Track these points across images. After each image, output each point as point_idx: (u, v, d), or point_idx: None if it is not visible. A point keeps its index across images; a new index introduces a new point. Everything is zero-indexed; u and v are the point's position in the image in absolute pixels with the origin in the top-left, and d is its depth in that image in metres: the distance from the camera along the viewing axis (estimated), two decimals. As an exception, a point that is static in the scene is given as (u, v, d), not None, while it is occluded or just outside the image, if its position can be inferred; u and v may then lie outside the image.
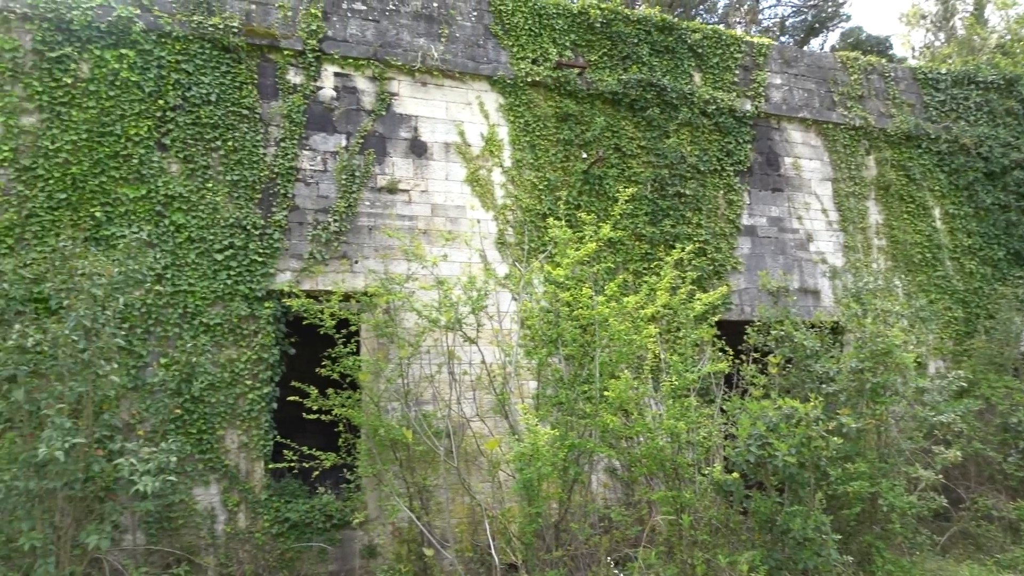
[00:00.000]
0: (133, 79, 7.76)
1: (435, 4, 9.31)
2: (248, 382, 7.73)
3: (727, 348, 8.64)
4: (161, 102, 7.86)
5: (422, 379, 8.01)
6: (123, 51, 7.75)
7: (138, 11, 7.86)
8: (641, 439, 7.01)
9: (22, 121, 7.37)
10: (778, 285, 10.30)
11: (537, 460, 6.04)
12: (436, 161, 9.02)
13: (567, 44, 9.83)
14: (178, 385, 7.35)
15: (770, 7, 30.18)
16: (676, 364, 7.05)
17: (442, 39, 9.24)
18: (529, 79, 9.47)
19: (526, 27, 9.63)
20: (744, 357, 8.52)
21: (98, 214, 7.45)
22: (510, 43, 9.55)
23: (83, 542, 5.84)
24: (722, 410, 7.81)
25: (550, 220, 8.25)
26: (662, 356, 7.93)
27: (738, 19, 26.49)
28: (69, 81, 7.53)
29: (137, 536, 7.02)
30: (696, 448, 7.08)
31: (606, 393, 6.62)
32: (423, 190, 8.89)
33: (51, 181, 7.36)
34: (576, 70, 9.70)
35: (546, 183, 9.38)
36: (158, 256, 7.54)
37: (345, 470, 7.84)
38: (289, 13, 8.57)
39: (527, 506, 6.49)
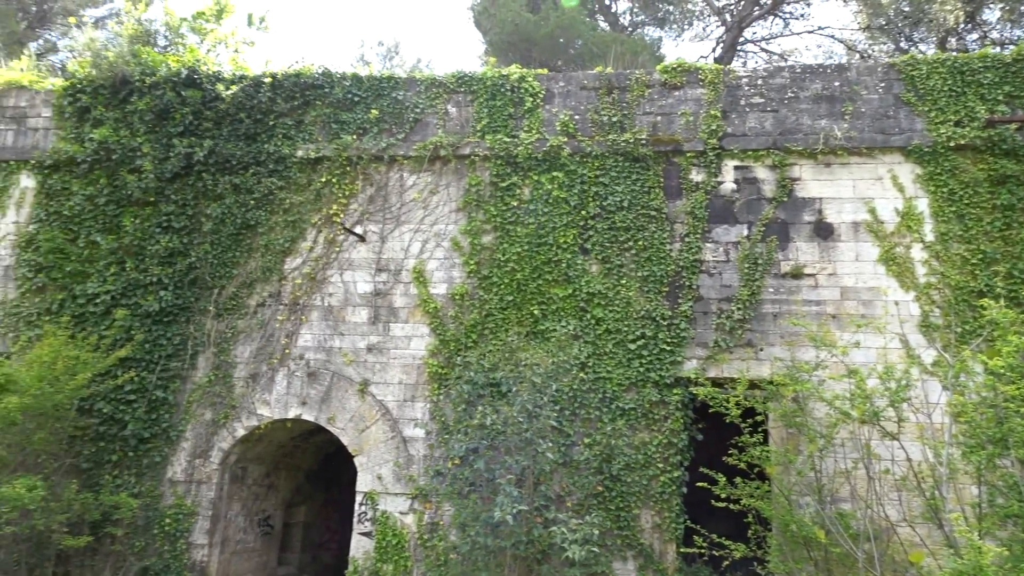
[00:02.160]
0: (562, 196, 9.16)
1: (836, 84, 9.13)
2: (660, 465, 8.23)
3: None
4: (583, 212, 9.10)
5: (836, 474, 7.57)
6: (554, 174, 9.24)
7: (565, 139, 9.33)
8: None
9: (483, 240, 9.24)
10: None
11: (981, 583, 5.25)
12: (844, 242, 8.67)
13: (999, 98, 8.70)
14: (599, 464, 8.17)
15: None
16: None
17: (845, 117, 8.97)
18: (952, 143, 8.60)
19: (945, 88, 8.82)
20: None
21: (536, 312, 8.86)
22: (926, 108, 8.84)
23: (526, 597, 6.82)
24: None
25: (985, 300, 7.25)
26: None
27: None
28: (515, 204, 9.24)
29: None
30: None
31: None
32: (830, 273, 8.60)
33: (502, 286, 9.01)
34: (1014, 125, 8.49)
35: (980, 256, 8.29)
36: (582, 347, 8.61)
37: (756, 563, 7.73)
38: (691, 118, 9.25)
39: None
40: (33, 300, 9.60)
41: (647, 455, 8.26)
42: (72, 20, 20.52)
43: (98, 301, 9.37)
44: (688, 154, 9.16)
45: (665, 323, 8.65)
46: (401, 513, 8.56)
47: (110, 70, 9.96)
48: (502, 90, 9.67)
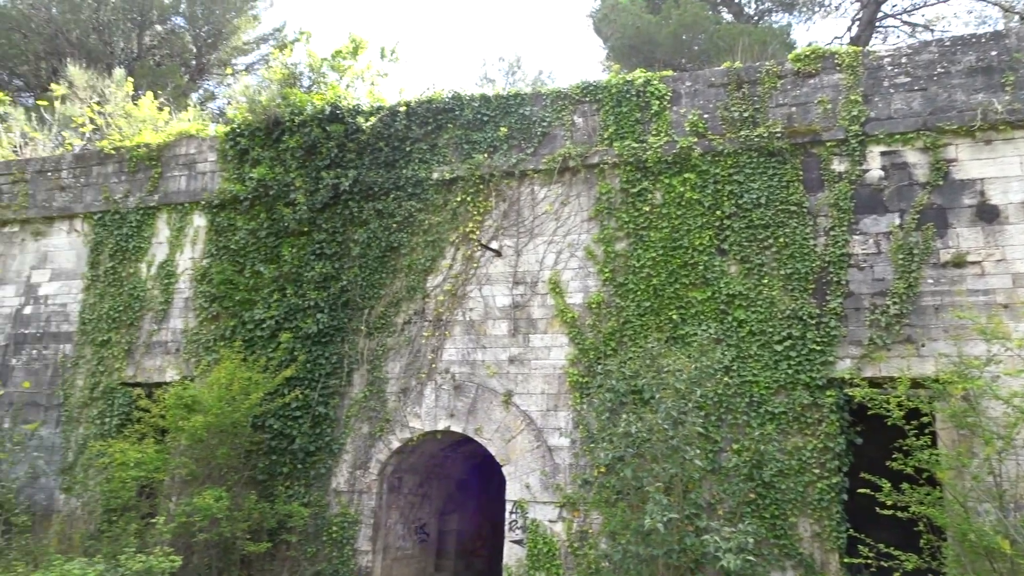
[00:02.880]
0: (695, 197, 9.01)
1: (993, 53, 8.41)
2: (816, 471, 7.87)
3: None
4: (719, 212, 8.91)
5: (1019, 479, 6.94)
6: (686, 175, 9.11)
7: (695, 139, 9.17)
8: None
9: (616, 247, 9.25)
10: None
11: None
12: (1012, 224, 7.95)
13: None
14: (750, 470, 7.93)
15: None
16: None
17: (1006, 88, 8.24)
18: None
19: None
20: None
21: (675, 316, 8.75)
22: (1104, 70, 7.95)
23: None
24: None
25: None
26: None
27: None
28: (647, 209, 9.19)
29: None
30: None
31: None
32: (998, 259, 7.91)
33: (638, 292, 8.98)
34: None
35: None
36: (724, 351, 8.41)
37: (930, 575, 7.21)
38: (829, 106, 8.84)
39: None
40: (209, 327, 10.61)
41: (801, 461, 7.93)
42: (228, 71, 22.52)
43: (264, 326, 10.22)
44: (828, 144, 8.75)
45: (813, 322, 8.28)
46: (550, 521, 8.70)
47: (263, 113, 10.88)
48: (627, 96, 9.66)
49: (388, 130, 10.45)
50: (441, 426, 9.49)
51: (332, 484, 9.66)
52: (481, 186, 10.03)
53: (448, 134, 10.31)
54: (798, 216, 8.66)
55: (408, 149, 10.40)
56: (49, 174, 12.45)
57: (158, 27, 24.93)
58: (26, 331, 11.71)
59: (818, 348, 8.20)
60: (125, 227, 11.57)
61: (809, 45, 9.43)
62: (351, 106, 10.74)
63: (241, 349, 10.02)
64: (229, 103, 14.47)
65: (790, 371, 8.21)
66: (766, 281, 8.57)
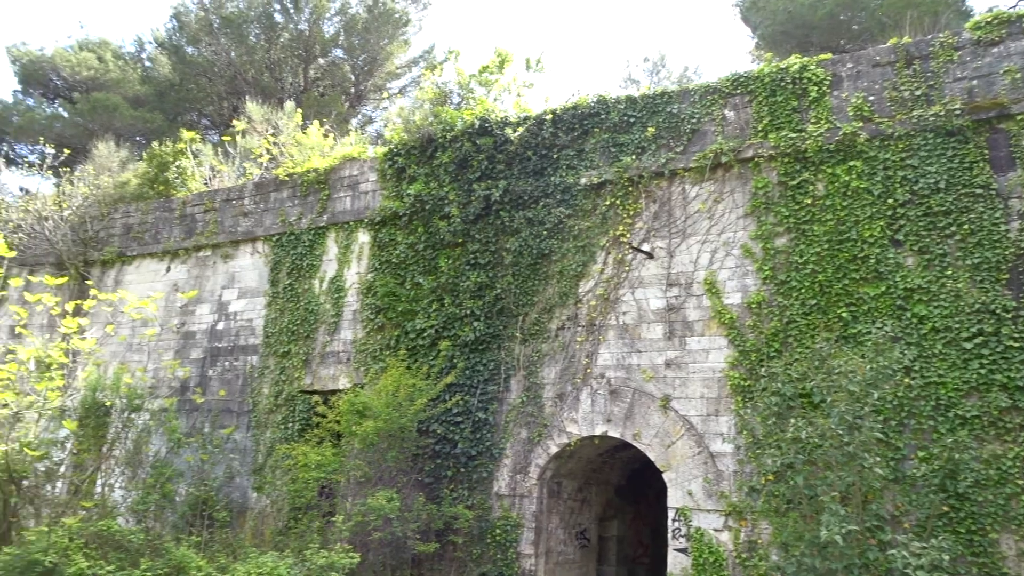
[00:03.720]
0: (862, 186, 8.41)
1: None
2: (1020, 482, 7.06)
3: None
4: (890, 200, 8.25)
5: None
6: (851, 163, 8.52)
7: (860, 124, 8.56)
8: None
9: (776, 243, 8.81)
10: None
11: None
12: None
13: None
14: (941, 480, 7.24)
15: None
16: None
17: None
18: None
19: None
20: None
21: (844, 314, 8.19)
22: None
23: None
24: None
25: None
26: None
27: None
28: (809, 202, 8.68)
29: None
30: None
31: None
32: None
33: (802, 290, 8.49)
34: None
35: None
36: (904, 350, 7.75)
37: None
38: (1018, 75, 7.94)
39: None
40: (375, 337, 11.25)
41: (1001, 471, 7.14)
42: (384, 95, 23.85)
43: (425, 335, 10.69)
44: (1018, 117, 7.86)
45: (1008, 316, 7.45)
46: (715, 530, 8.41)
47: (418, 132, 11.42)
48: (782, 84, 9.20)
49: (535, 139, 10.61)
50: (598, 431, 9.46)
51: (494, 488, 9.90)
52: (630, 188, 9.92)
53: (595, 138, 10.31)
54: (985, 200, 7.84)
55: (556, 156, 10.50)
56: (234, 202, 13.75)
57: (320, 60, 26.89)
58: (219, 344, 12.98)
59: (1016, 345, 7.36)
60: (299, 247, 12.54)
61: (990, 11, 8.52)
62: (499, 119, 11.02)
63: (405, 357, 10.54)
64: (386, 125, 15.31)
65: (983, 371, 7.43)
66: (949, 272, 7.82)
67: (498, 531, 9.65)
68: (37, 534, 7.47)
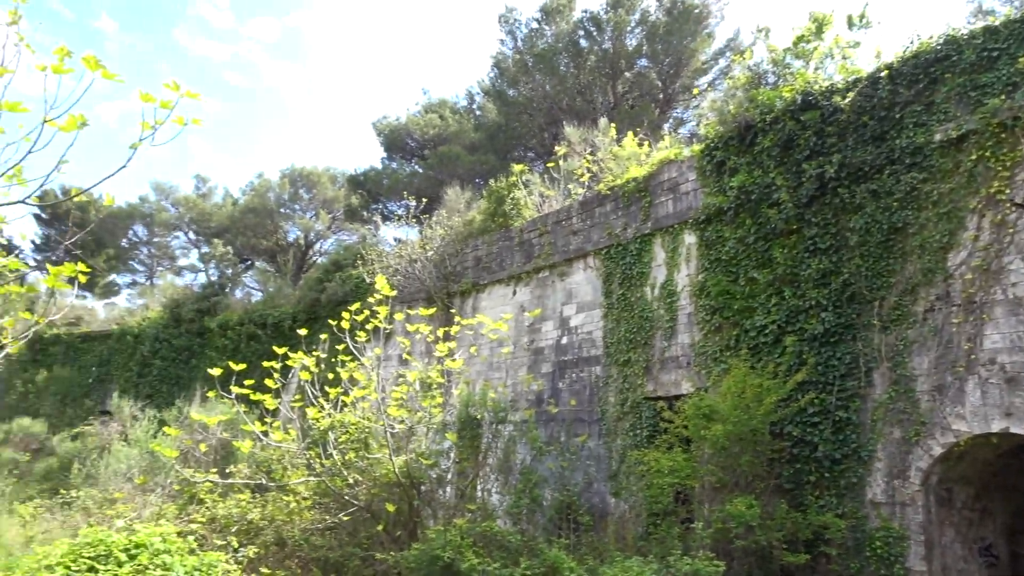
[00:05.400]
0: None
1: None
2: None
3: None
4: None
5: None
6: None
7: None
8: None
9: None
10: None
11: None
12: None
13: None
14: None
15: None
16: None
17: None
18: None
19: None
20: None
21: None
22: None
23: None
24: None
25: None
26: None
27: None
28: None
29: None
30: None
31: None
32: None
33: None
34: None
35: None
36: None
37: None
38: None
39: None
40: (713, 339, 10.93)
41: None
42: (695, 91, 23.51)
43: (766, 331, 10.08)
44: None
45: None
46: None
47: (733, 121, 10.92)
48: None
49: (870, 102, 9.44)
50: (995, 427, 7.95)
51: (867, 495, 8.88)
52: (1002, 135, 8.27)
53: (946, 86, 8.82)
54: None
55: (898, 116, 9.20)
56: (563, 223, 14.56)
57: (627, 74, 27.45)
58: (565, 358, 13.76)
59: None
60: (627, 256, 12.78)
61: None
62: (823, 88, 10.04)
63: (747, 357, 10.05)
64: (699, 123, 14.95)
65: None
66: None
67: (878, 544, 8.61)
68: (435, 533, 8.58)
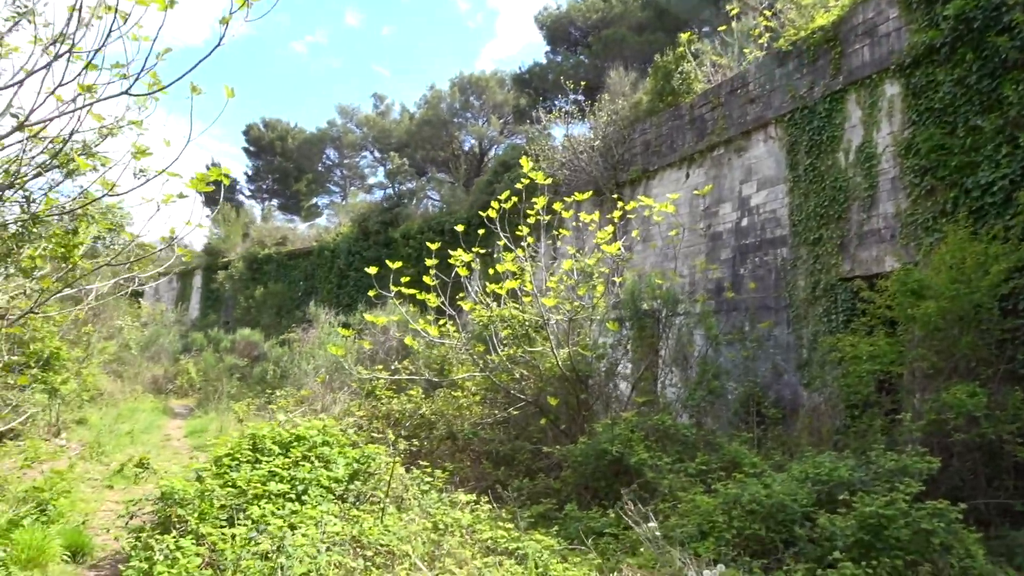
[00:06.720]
0: None
1: None
2: None
3: None
4: None
5: None
6: None
7: None
8: None
9: None
10: None
11: None
12: None
13: None
14: None
15: None
16: None
17: None
18: None
19: None
20: None
21: None
22: None
23: None
24: None
25: None
26: None
27: None
28: None
29: None
30: None
31: None
32: None
33: None
34: None
35: None
36: None
37: None
38: None
39: None
40: (924, 205, 9.25)
41: None
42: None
43: (994, 189, 8.29)
44: None
45: None
46: None
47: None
48: None
49: None
50: None
51: None
52: None
53: None
54: None
55: None
56: (738, 91, 12.98)
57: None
58: (746, 241, 12.52)
59: None
60: (815, 120, 11.13)
61: None
62: None
63: (968, 222, 8.37)
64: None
65: None
66: None
67: None
68: (603, 427, 8.19)
